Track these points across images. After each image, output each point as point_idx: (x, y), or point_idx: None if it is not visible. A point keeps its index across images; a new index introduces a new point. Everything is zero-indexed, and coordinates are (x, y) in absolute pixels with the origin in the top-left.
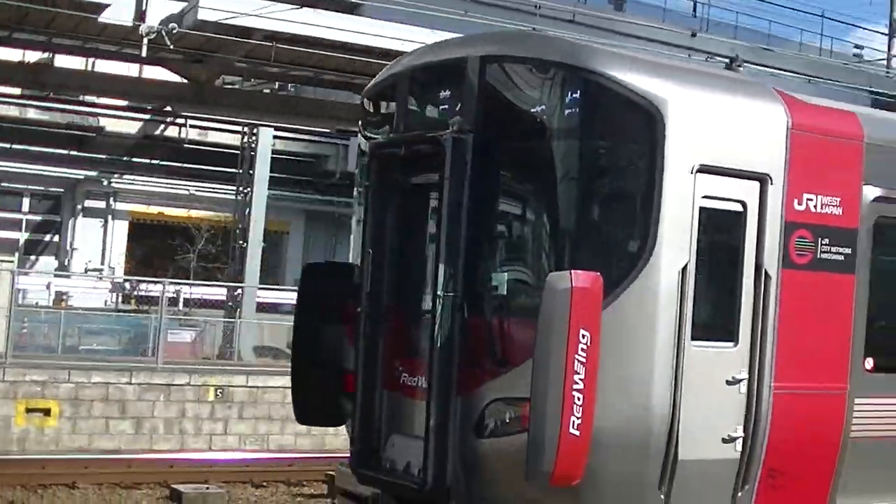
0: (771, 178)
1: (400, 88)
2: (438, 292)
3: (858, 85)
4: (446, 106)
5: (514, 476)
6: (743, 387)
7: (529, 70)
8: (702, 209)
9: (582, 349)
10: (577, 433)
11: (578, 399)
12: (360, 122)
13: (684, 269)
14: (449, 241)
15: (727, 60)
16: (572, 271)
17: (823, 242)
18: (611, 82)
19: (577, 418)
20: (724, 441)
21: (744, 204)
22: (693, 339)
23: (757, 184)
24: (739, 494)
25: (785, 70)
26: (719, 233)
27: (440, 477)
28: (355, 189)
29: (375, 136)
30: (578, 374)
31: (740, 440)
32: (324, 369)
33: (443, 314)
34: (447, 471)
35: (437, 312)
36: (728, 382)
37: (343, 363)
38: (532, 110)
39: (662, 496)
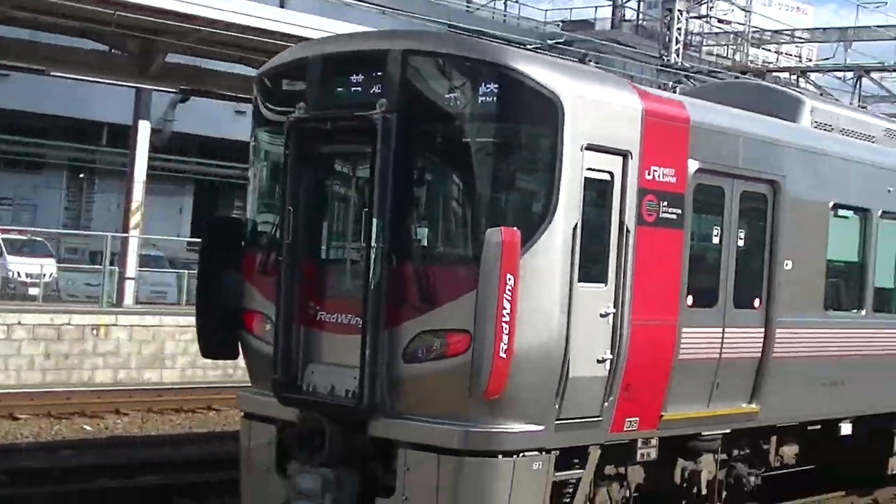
0: (630, 154)
1: (311, 71)
2: (372, 244)
3: (438, 19)
4: (369, 89)
5: (435, 392)
6: (611, 319)
7: (449, 63)
8: (586, 179)
9: (508, 290)
10: (504, 356)
11: (506, 329)
12: (257, 98)
13: (575, 226)
14: (379, 201)
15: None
16: (502, 228)
17: (664, 205)
18: (520, 76)
19: (504, 345)
20: (598, 362)
21: (611, 174)
22: (579, 280)
23: (620, 158)
24: (605, 404)
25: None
26: (596, 198)
27: (372, 396)
28: (251, 155)
29: (278, 112)
30: (505, 309)
31: (608, 361)
32: (225, 310)
33: (374, 262)
34: (377, 391)
35: (370, 260)
36: (601, 315)
37: (241, 304)
38: (451, 96)
39: (556, 406)
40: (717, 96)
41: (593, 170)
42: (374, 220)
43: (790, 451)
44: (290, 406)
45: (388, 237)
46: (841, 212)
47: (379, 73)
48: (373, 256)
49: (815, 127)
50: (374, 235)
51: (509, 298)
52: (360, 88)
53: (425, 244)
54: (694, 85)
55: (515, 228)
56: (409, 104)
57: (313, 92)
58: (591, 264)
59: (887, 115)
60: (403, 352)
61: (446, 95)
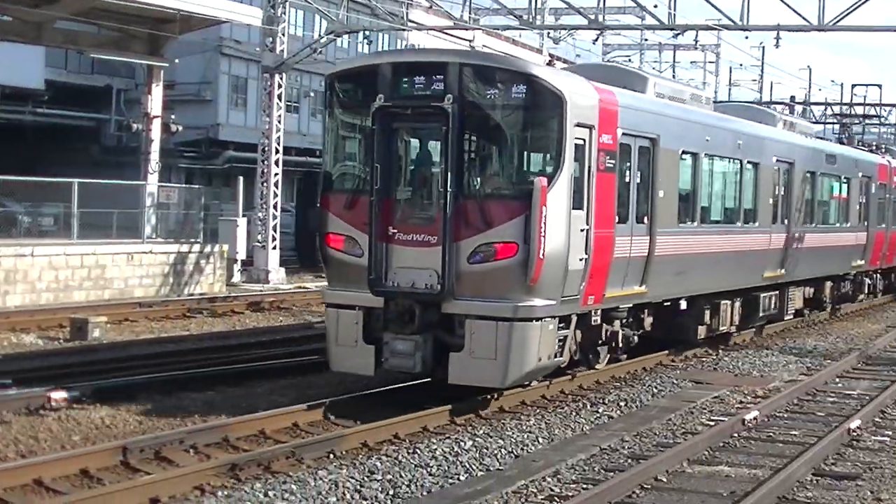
0: (594, 127)
1: (383, 74)
2: (449, 188)
3: None
4: (432, 87)
5: (488, 282)
6: (586, 232)
7: (492, 72)
8: (575, 145)
9: (543, 216)
10: (542, 257)
11: (543, 241)
12: (332, 93)
13: (571, 175)
14: (451, 161)
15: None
16: (539, 178)
17: (607, 158)
18: (539, 80)
19: (542, 250)
20: (579, 260)
21: (585, 141)
22: (572, 209)
23: (588, 130)
24: (582, 285)
25: None
26: (579, 156)
27: (445, 285)
28: (327, 131)
29: (351, 101)
30: (543, 228)
31: (584, 259)
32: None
33: (449, 200)
34: (449, 283)
35: (447, 198)
36: (580, 230)
37: (324, 229)
38: (493, 93)
39: (561, 289)
40: (588, 74)
41: (578, 139)
42: (449, 173)
43: (649, 321)
44: (381, 296)
45: (456, 184)
46: (684, 156)
47: (440, 77)
48: (448, 196)
49: (657, 96)
50: (448, 183)
51: (544, 222)
52: (423, 86)
53: (479, 188)
54: None
55: (544, 177)
56: (464, 98)
57: (387, 88)
58: (577, 198)
59: None
60: (467, 257)
61: (490, 93)
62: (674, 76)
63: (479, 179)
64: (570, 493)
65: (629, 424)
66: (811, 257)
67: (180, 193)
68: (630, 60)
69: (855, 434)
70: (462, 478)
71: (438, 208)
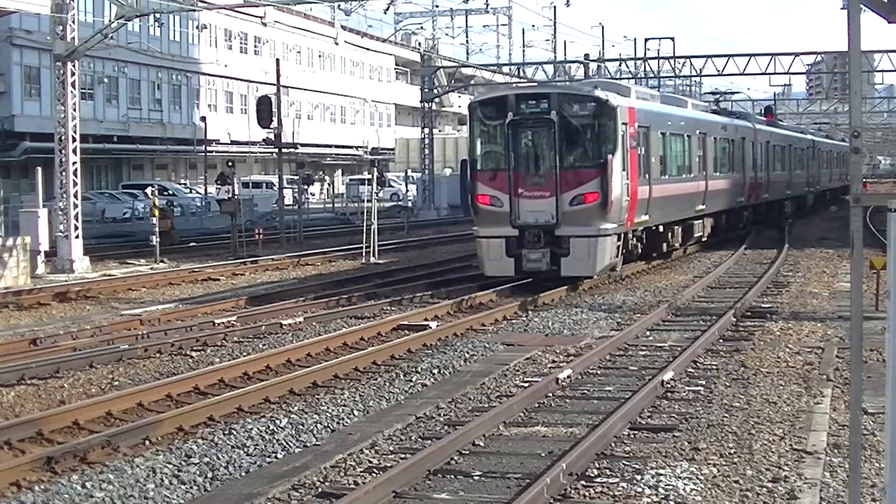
0: (627, 123)
1: (510, 100)
2: (556, 165)
3: None
4: (541, 107)
5: (581, 217)
6: (627, 185)
7: (576, 97)
8: (622, 136)
9: (611, 177)
10: (612, 201)
11: (611, 191)
12: (473, 113)
13: (621, 154)
14: (557, 149)
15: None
16: (609, 154)
17: (633, 141)
18: (602, 99)
19: (611, 196)
20: (625, 201)
21: (626, 132)
22: (622, 171)
23: (625, 125)
24: (625, 216)
25: None
26: (623, 141)
27: (557, 219)
28: (474, 137)
29: (490, 116)
30: (611, 184)
31: (627, 200)
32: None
33: (558, 170)
34: (558, 217)
35: (556, 169)
36: (625, 184)
37: (475, 192)
38: (577, 108)
39: (620, 219)
40: (595, 86)
41: (622, 131)
42: (557, 156)
43: (643, 239)
44: (517, 229)
45: (560, 161)
46: (661, 135)
47: (545, 101)
48: (557, 168)
49: (637, 98)
50: (557, 161)
51: (611, 180)
52: (536, 107)
53: (573, 163)
54: None
55: (610, 154)
56: (561, 112)
57: (513, 108)
58: (623, 165)
59: None
60: (569, 203)
61: (576, 108)
62: (467, 41)
63: (572, 158)
64: (389, 464)
65: (443, 391)
66: (717, 196)
67: None
68: (423, 28)
69: (669, 386)
70: (279, 456)
71: (550, 176)
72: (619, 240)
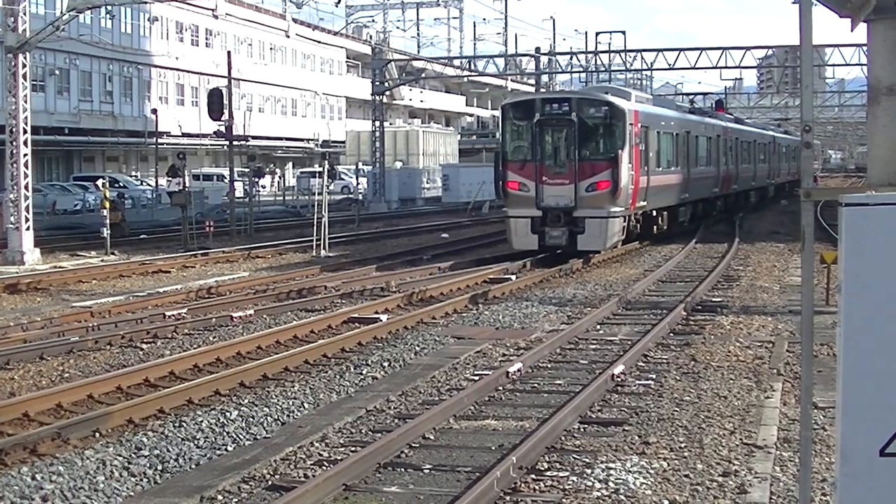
0: (633, 123)
1: (537, 103)
2: (575, 157)
3: None
4: (563, 108)
5: (594, 202)
6: (633, 175)
7: (592, 101)
8: (629, 134)
9: (620, 168)
10: (622, 188)
11: (619, 180)
12: (506, 114)
13: (628, 150)
14: (578, 146)
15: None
16: (619, 149)
17: (637, 138)
18: (613, 103)
19: (621, 183)
20: (630, 188)
21: (632, 131)
22: (628, 164)
23: (632, 125)
24: (629, 201)
25: None
26: (629, 138)
27: (575, 203)
28: (505, 134)
29: (520, 116)
30: (619, 174)
31: (632, 188)
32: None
33: (577, 161)
34: (576, 201)
35: (575, 161)
36: (631, 174)
37: (506, 180)
38: (593, 110)
39: (626, 203)
40: (612, 91)
41: (629, 130)
42: (576, 150)
43: (640, 222)
44: (541, 210)
45: (578, 155)
46: (656, 133)
47: (567, 104)
48: (576, 160)
49: (636, 101)
50: (576, 154)
51: (620, 171)
52: (558, 109)
53: (589, 156)
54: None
55: (620, 150)
56: (580, 114)
57: (540, 110)
58: (629, 158)
59: None
60: (585, 189)
61: (592, 111)
62: (418, 34)
63: (588, 152)
64: (339, 457)
65: (394, 384)
66: (698, 186)
67: None
68: (374, 21)
69: (619, 380)
70: (230, 448)
71: (569, 166)
72: (624, 221)
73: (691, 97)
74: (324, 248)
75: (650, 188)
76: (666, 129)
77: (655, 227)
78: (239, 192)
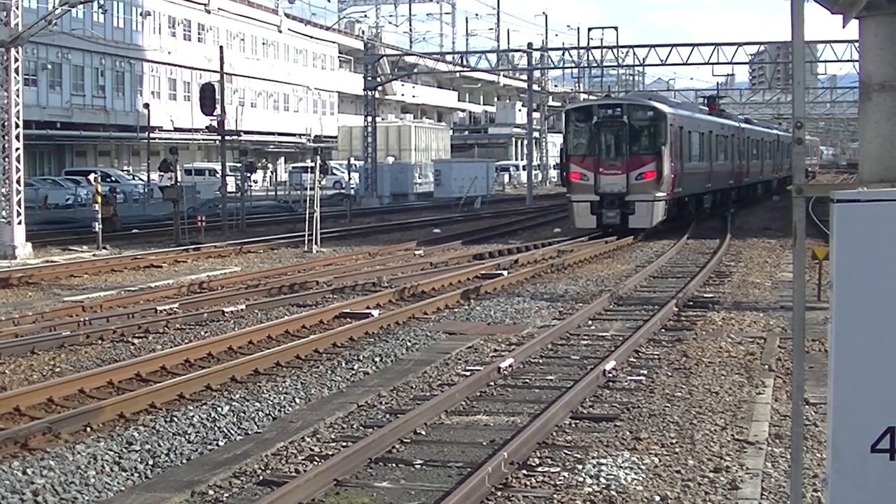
0: (672, 124)
1: (595, 109)
2: (627, 152)
3: None
4: (616, 112)
5: (642, 188)
6: (672, 166)
7: (638, 106)
8: (669, 132)
9: (663, 160)
10: (663, 177)
11: (663, 170)
12: (568, 117)
13: (669, 146)
14: (628, 143)
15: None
16: (662, 145)
17: (673, 136)
18: (656, 107)
19: (663, 174)
20: (671, 177)
21: (672, 130)
22: (668, 157)
23: (672, 125)
24: (670, 188)
25: None
26: (670, 138)
27: (626, 189)
28: (568, 134)
29: (580, 118)
30: (663, 165)
31: (671, 177)
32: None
33: (627, 155)
34: (628, 187)
35: (626, 155)
36: (672, 164)
37: (569, 171)
38: (640, 114)
39: (669, 189)
40: (654, 98)
41: (670, 131)
42: (627, 147)
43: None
44: (598, 196)
45: (629, 150)
46: (689, 132)
47: (619, 109)
48: (627, 154)
49: (669, 106)
50: (627, 149)
51: (663, 163)
52: (612, 112)
53: (637, 151)
54: None
55: (663, 146)
56: (630, 116)
57: (597, 114)
58: (671, 154)
59: None
60: (634, 178)
61: (640, 114)
62: (410, 29)
63: (636, 148)
64: (330, 452)
65: (385, 380)
66: (718, 178)
67: None
68: (366, 16)
69: (611, 375)
70: (221, 443)
71: (622, 160)
72: (665, 204)
73: (707, 100)
74: (315, 244)
75: (684, 178)
76: (695, 129)
77: (686, 211)
78: (231, 187)
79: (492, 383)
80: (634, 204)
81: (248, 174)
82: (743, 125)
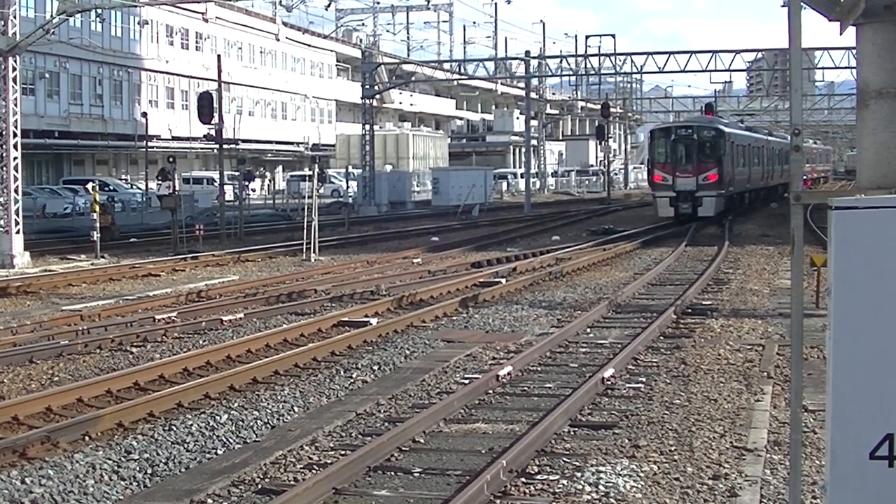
0: (728, 139)
1: (673, 129)
2: (696, 161)
3: None
4: (688, 130)
5: (706, 188)
6: (728, 172)
7: (703, 126)
8: (728, 145)
9: (724, 166)
10: (723, 179)
11: (724, 174)
12: (654, 134)
13: (726, 156)
14: (697, 154)
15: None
16: (722, 156)
17: (729, 148)
18: (718, 128)
19: (724, 177)
20: (728, 179)
21: (728, 144)
22: (726, 164)
23: (727, 141)
24: (727, 185)
25: None
26: (727, 150)
27: (696, 188)
28: (652, 146)
29: (660, 136)
30: (724, 170)
31: (727, 178)
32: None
33: (695, 163)
34: (697, 185)
35: (694, 163)
36: (727, 171)
37: (654, 174)
38: (705, 132)
39: (726, 187)
40: (714, 121)
41: (726, 144)
42: (696, 156)
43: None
44: (675, 192)
45: (697, 159)
46: (739, 145)
47: (691, 129)
48: (696, 162)
49: (724, 126)
50: (696, 159)
51: (724, 168)
52: (686, 131)
53: (705, 160)
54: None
55: (722, 156)
56: (699, 134)
57: (674, 132)
58: (727, 162)
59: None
60: (701, 179)
61: (705, 133)
62: (408, 37)
63: (703, 157)
64: (329, 461)
65: (383, 388)
66: (753, 179)
67: None
68: (364, 25)
69: (609, 383)
70: (219, 452)
71: (692, 166)
72: (724, 200)
73: (741, 118)
74: (314, 252)
75: (735, 180)
76: (741, 143)
77: (734, 205)
78: (229, 196)
79: (490, 391)
80: (702, 199)
81: (246, 183)
82: (769, 137)
